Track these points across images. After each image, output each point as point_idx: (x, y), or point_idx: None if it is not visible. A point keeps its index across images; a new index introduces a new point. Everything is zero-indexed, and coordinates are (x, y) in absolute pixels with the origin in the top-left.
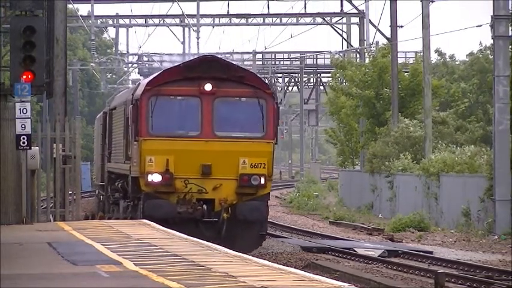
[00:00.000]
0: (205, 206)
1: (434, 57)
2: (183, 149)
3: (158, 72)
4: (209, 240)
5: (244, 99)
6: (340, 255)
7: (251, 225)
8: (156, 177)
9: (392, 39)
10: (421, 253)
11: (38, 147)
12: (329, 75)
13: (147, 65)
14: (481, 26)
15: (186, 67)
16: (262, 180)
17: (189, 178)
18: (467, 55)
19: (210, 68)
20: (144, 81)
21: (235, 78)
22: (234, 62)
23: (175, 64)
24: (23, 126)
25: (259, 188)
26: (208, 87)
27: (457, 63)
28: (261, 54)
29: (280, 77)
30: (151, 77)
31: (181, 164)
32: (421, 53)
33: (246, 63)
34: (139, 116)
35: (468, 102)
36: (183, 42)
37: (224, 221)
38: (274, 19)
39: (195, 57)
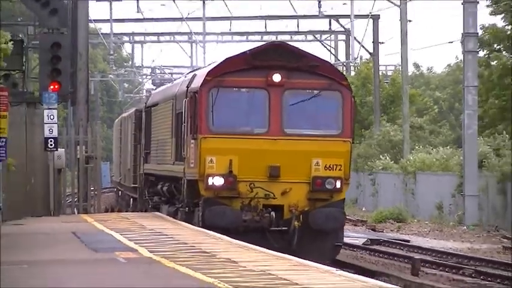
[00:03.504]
0: (273, 213)
1: (412, 69)
2: (248, 148)
3: (219, 61)
4: (278, 251)
5: (317, 91)
6: None
7: (326, 235)
8: (217, 181)
9: (375, 54)
10: (399, 241)
11: (63, 149)
12: None
13: (159, 76)
14: (452, 42)
15: (252, 55)
16: (338, 184)
17: (254, 181)
18: (447, 65)
19: (279, 56)
20: (203, 71)
21: (307, 68)
22: None
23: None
24: (51, 130)
25: (334, 192)
26: (277, 77)
27: (434, 74)
28: None
29: None
30: (211, 67)
31: (246, 165)
32: (400, 66)
33: None
34: (198, 110)
35: (439, 108)
36: (191, 57)
37: (295, 230)
38: (271, 36)
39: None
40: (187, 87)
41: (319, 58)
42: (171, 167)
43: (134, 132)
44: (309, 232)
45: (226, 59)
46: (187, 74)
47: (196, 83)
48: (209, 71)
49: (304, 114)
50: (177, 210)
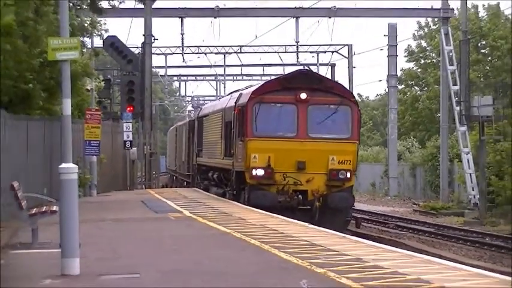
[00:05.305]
0: (300, 196)
1: (356, 98)
2: (281, 147)
3: (260, 84)
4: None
5: (333, 106)
6: None
7: (339, 212)
8: (259, 172)
9: None
10: None
11: (136, 148)
12: None
13: (196, 102)
14: (381, 80)
15: (284, 79)
16: (348, 175)
17: (286, 172)
18: (377, 95)
19: (304, 80)
20: (249, 91)
21: (325, 88)
22: None
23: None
24: (128, 136)
25: (345, 181)
26: (303, 95)
27: (369, 100)
28: None
29: None
30: (254, 87)
31: (280, 160)
32: None
33: None
34: (245, 120)
35: (374, 122)
36: (216, 90)
37: (317, 209)
38: (267, 77)
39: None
40: (236, 102)
41: (334, 81)
42: (220, 161)
43: (188, 135)
44: (327, 210)
45: (265, 82)
46: (232, 93)
47: (244, 100)
48: (253, 91)
49: (323, 123)
50: (225, 192)
